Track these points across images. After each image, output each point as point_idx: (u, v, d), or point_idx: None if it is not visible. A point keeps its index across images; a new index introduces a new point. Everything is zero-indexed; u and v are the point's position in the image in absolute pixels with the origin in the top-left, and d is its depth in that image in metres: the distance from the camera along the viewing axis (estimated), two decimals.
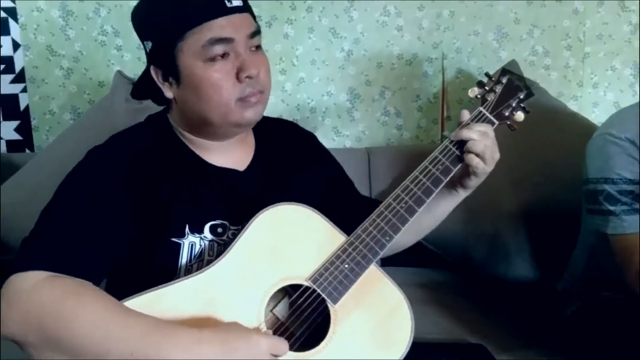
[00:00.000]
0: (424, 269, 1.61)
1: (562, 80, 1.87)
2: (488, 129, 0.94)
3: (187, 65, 0.89)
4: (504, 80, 1.00)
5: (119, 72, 1.56)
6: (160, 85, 0.93)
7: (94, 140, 1.39)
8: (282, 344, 0.78)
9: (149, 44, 0.91)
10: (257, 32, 0.92)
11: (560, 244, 1.42)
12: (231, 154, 0.99)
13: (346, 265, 0.87)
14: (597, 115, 1.88)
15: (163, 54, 0.90)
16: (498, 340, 1.25)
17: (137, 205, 0.89)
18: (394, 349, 0.87)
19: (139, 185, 0.89)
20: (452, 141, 0.94)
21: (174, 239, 0.90)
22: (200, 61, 0.88)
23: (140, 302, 0.81)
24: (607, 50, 1.87)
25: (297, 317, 0.87)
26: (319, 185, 1.07)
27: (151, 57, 0.92)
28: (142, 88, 0.98)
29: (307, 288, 0.87)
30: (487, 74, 1.02)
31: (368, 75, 1.80)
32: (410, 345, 0.87)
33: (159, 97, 0.97)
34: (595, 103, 1.89)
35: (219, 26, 0.87)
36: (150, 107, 1.52)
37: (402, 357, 0.86)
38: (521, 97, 0.99)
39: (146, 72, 0.95)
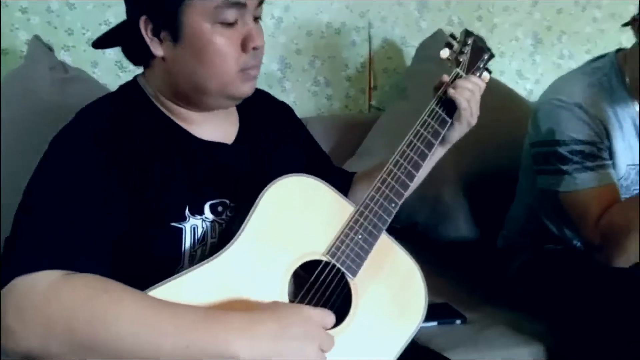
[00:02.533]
0: None
1: None
2: (473, 86, 0.98)
3: (193, 24, 0.80)
4: (470, 42, 1.04)
5: (37, 38, 1.37)
6: (148, 40, 0.83)
7: (17, 116, 1.23)
8: (329, 315, 0.76)
9: None
10: (262, 1, 0.86)
11: (496, 204, 1.52)
12: (217, 127, 0.92)
13: (360, 236, 0.86)
14: (505, 83, 2.02)
15: (163, 6, 0.80)
16: (458, 299, 1.32)
17: (130, 190, 0.80)
18: (412, 316, 0.88)
19: (128, 167, 0.80)
20: (437, 104, 0.97)
21: (174, 224, 0.82)
22: (209, 23, 0.80)
23: (159, 295, 0.74)
24: (512, 22, 2.01)
25: (319, 294, 0.85)
26: (301, 156, 1.05)
27: (144, 6, 0.81)
28: (115, 39, 0.88)
29: (322, 263, 0.85)
30: (452, 35, 1.06)
31: (298, 43, 1.77)
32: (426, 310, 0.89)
33: (137, 53, 0.87)
34: (502, 71, 2.03)
35: None
36: (80, 77, 1.38)
37: (421, 323, 0.88)
38: (485, 58, 1.04)
39: (128, 22, 0.84)
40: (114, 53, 1.58)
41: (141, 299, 0.70)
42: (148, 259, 0.81)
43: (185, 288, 0.76)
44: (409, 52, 1.87)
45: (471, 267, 1.49)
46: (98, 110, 0.86)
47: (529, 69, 2.07)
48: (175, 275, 0.76)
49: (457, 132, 1.02)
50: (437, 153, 1.06)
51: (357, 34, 1.82)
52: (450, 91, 0.96)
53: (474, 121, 1.00)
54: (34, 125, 1.20)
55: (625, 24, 1.26)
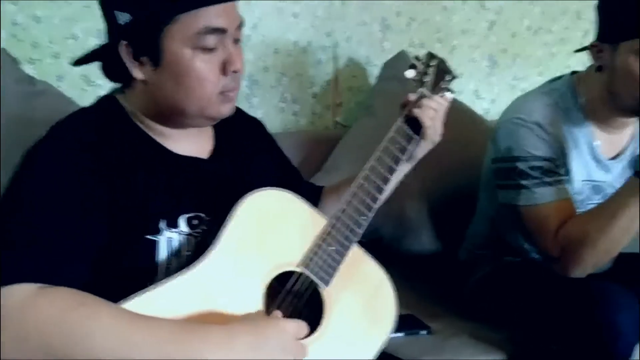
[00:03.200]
0: None
1: None
2: (437, 105, 1.03)
3: (173, 50, 0.82)
4: (433, 64, 1.10)
5: (3, 51, 1.35)
6: (129, 64, 0.84)
7: None
8: (303, 326, 0.79)
9: (126, 16, 0.82)
10: (242, 25, 0.89)
11: (457, 219, 1.58)
12: (192, 142, 0.95)
13: (332, 248, 0.89)
14: (463, 102, 2.10)
15: (144, 32, 0.82)
16: (422, 310, 1.36)
17: (107, 201, 0.81)
18: (383, 325, 0.92)
19: (106, 179, 0.82)
20: (404, 121, 1.01)
21: (148, 237, 0.84)
22: (189, 48, 0.82)
23: (134, 306, 0.75)
24: (470, 44, 2.09)
25: (293, 304, 0.87)
26: (273, 170, 1.07)
27: (125, 32, 0.83)
28: (95, 60, 0.90)
29: (295, 274, 0.87)
30: (416, 57, 1.11)
31: (266, 61, 1.80)
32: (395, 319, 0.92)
33: (117, 74, 0.89)
34: (460, 91, 2.10)
35: (215, 14, 0.82)
36: (47, 90, 1.37)
37: (391, 331, 0.91)
38: (448, 79, 1.10)
39: (108, 46, 0.86)
40: (81, 68, 1.57)
41: (118, 313, 0.71)
42: (123, 271, 0.82)
43: (160, 300, 0.77)
44: (373, 71, 1.93)
45: (434, 279, 1.54)
46: (75, 123, 0.86)
47: (485, 89, 2.16)
48: (150, 287, 0.77)
49: (422, 148, 1.06)
50: (404, 169, 1.10)
51: (323, 53, 1.86)
52: (416, 110, 1.01)
53: (437, 139, 1.06)
54: (1, 138, 1.19)
55: (579, 50, 1.34)
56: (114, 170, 0.83)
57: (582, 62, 1.38)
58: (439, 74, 1.10)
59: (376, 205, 0.95)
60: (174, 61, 0.83)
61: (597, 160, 1.32)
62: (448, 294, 1.47)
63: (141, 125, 0.90)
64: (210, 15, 0.82)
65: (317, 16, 1.83)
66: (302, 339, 0.83)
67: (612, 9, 1.22)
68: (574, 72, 1.37)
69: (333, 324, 0.87)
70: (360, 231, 0.93)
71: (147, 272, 0.83)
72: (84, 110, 0.91)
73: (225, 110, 0.89)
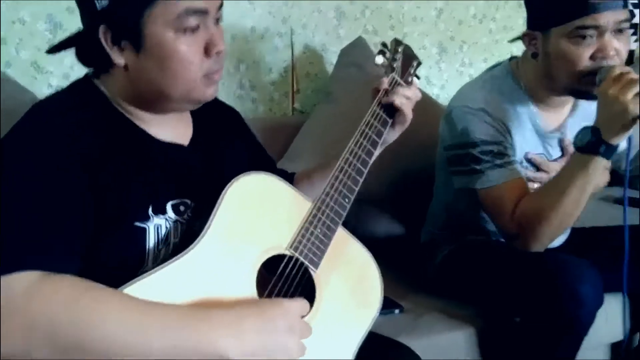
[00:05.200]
0: None
1: None
2: (412, 92, 1.05)
3: (155, 33, 0.80)
4: (400, 50, 1.12)
5: None
6: (108, 49, 0.82)
7: None
8: (305, 304, 0.80)
9: (104, 1, 0.79)
10: (222, 5, 0.87)
11: (417, 201, 1.63)
12: (173, 128, 0.93)
13: (319, 230, 0.90)
14: None
15: (124, 16, 0.79)
16: (392, 291, 1.39)
17: (93, 189, 0.78)
18: (371, 304, 0.94)
19: (90, 166, 0.79)
20: (378, 106, 1.03)
21: (137, 224, 0.82)
22: (171, 31, 0.80)
23: None
24: (420, 31, 2.15)
25: (285, 287, 0.87)
26: (248, 158, 1.07)
27: (104, 17, 0.80)
28: (73, 45, 0.86)
29: (286, 257, 0.88)
30: (383, 44, 1.13)
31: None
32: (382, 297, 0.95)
33: (95, 60, 0.86)
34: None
35: None
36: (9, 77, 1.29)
37: (378, 312, 0.94)
38: (415, 64, 1.13)
39: (86, 31, 0.83)
40: (30, 54, 1.50)
41: (126, 300, 0.70)
42: (112, 260, 0.80)
43: (153, 288, 0.76)
44: (329, 58, 1.94)
45: (399, 261, 1.58)
46: (54, 109, 0.83)
47: (435, 75, 2.22)
48: (142, 275, 0.76)
49: (395, 133, 1.09)
50: (375, 153, 1.12)
51: (280, 40, 1.86)
52: (393, 96, 1.03)
53: (408, 124, 1.08)
54: None
55: (513, 40, 1.41)
56: (97, 156, 0.80)
57: (523, 47, 1.44)
58: (406, 59, 1.12)
59: (357, 188, 0.97)
60: (156, 45, 0.80)
61: (540, 134, 1.39)
62: (414, 274, 1.51)
63: (122, 111, 0.87)
64: None
65: (274, 2, 1.82)
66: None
67: None
68: (512, 58, 1.43)
69: (325, 305, 0.88)
70: (344, 213, 0.94)
71: (137, 260, 0.82)
72: (59, 96, 0.87)
73: (210, 92, 0.88)
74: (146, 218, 0.83)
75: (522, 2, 1.35)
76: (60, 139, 0.78)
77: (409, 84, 1.09)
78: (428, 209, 1.59)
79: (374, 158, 1.10)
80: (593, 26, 1.20)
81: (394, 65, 1.09)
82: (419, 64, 1.15)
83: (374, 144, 1.00)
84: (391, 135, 1.08)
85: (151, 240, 0.83)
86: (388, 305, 1.32)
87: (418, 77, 1.13)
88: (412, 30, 2.12)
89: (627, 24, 1.23)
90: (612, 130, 1.13)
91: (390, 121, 1.04)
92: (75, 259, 0.73)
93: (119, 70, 0.84)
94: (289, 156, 1.67)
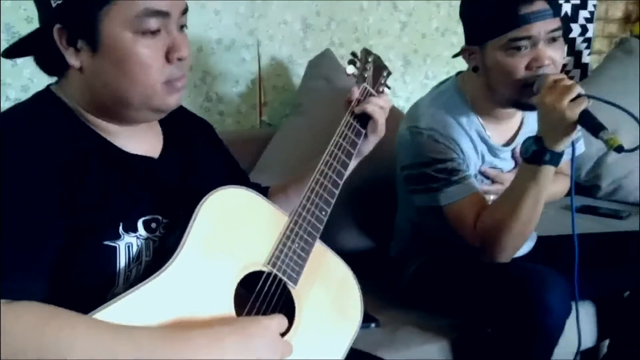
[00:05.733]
0: None
1: None
2: (384, 102, 1.05)
3: (113, 33, 0.77)
4: (370, 60, 1.13)
5: None
6: (63, 50, 0.78)
7: None
8: (283, 321, 0.78)
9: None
10: (186, 10, 0.85)
11: (384, 214, 1.63)
12: (142, 140, 0.90)
13: (296, 245, 0.89)
14: None
15: (79, 14, 0.76)
16: (366, 304, 1.38)
17: (61, 207, 0.75)
18: (352, 318, 0.94)
19: (55, 184, 0.76)
20: (352, 117, 1.03)
21: (107, 242, 0.79)
22: (130, 32, 0.77)
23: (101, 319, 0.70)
24: (385, 44, 2.17)
25: (265, 305, 0.85)
26: (221, 172, 1.05)
27: (58, 14, 0.77)
28: (27, 48, 0.82)
29: (264, 273, 0.86)
30: (353, 54, 1.14)
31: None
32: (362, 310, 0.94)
33: (50, 63, 0.82)
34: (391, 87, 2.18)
35: None
36: None
37: (360, 324, 0.93)
38: (385, 74, 1.14)
39: (40, 31, 0.80)
40: None
41: (94, 324, 0.67)
42: (80, 281, 0.77)
43: (127, 311, 0.73)
44: (296, 70, 1.93)
45: (370, 275, 1.56)
46: (15, 122, 0.79)
47: (400, 87, 2.25)
48: (114, 299, 0.73)
49: (370, 143, 1.08)
50: (351, 165, 1.12)
51: (246, 51, 1.84)
52: (366, 106, 1.03)
53: (382, 133, 1.08)
54: None
55: (455, 55, 1.43)
56: (64, 172, 0.77)
57: None
58: (377, 69, 1.13)
59: (334, 201, 0.96)
60: (113, 45, 0.77)
61: (489, 147, 1.41)
62: (386, 288, 1.51)
63: (87, 123, 0.84)
64: None
65: (240, 14, 1.81)
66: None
67: (473, 14, 1.32)
68: (458, 73, 1.46)
69: (305, 321, 0.87)
70: (321, 226, 0.94)
71: (106, 281, 0.79)
72: (20, 109, 0.83)
73: (172, 101, 0.84)
74: (116, 236, 0.80)
75: None
76: (23, 154, 0.74)
77: (380, 93, 1.09)
78: (394, 223, 1.60)
79: (349, 170, 1.10)
80: (526, 37, 1.23)
81: (365, 75, 1.09)
82: (389, 73, 1.16)
83: (349, 155, 1.00)
84: (366, 146, 1.08)
85: (122, 260, 0.80)
86: (364, 319, 1.30)
87: (389, 87, 1.14)
88: (377, 43, 2.14)
89: (559, 33, 1.26)
90: (554, 138, 1.15)
91: (363, 132, 1.04)
92: (40, 283, 0.70)
93: (75, 74, 0.81)
94: (259, 169, 1.65)
